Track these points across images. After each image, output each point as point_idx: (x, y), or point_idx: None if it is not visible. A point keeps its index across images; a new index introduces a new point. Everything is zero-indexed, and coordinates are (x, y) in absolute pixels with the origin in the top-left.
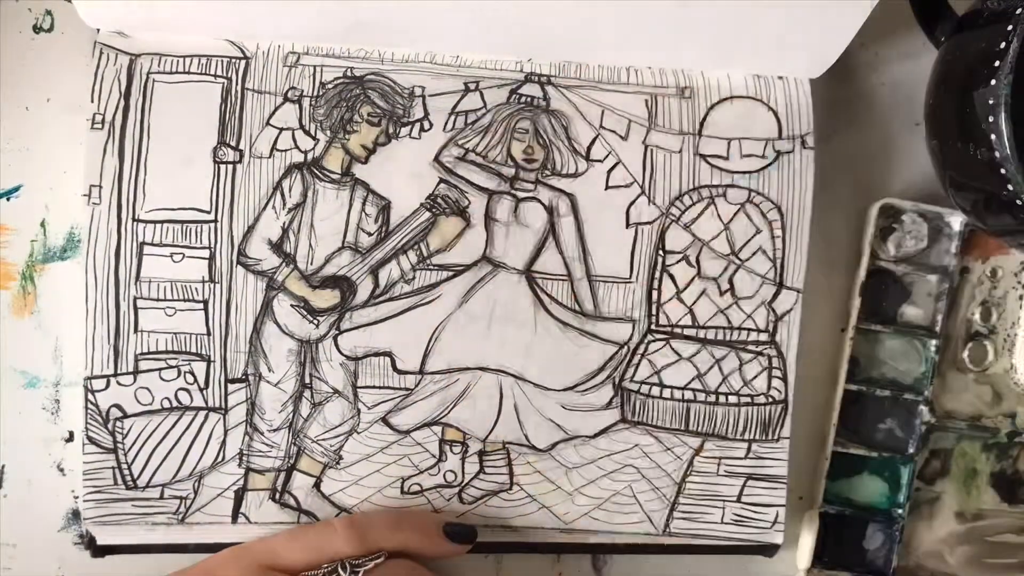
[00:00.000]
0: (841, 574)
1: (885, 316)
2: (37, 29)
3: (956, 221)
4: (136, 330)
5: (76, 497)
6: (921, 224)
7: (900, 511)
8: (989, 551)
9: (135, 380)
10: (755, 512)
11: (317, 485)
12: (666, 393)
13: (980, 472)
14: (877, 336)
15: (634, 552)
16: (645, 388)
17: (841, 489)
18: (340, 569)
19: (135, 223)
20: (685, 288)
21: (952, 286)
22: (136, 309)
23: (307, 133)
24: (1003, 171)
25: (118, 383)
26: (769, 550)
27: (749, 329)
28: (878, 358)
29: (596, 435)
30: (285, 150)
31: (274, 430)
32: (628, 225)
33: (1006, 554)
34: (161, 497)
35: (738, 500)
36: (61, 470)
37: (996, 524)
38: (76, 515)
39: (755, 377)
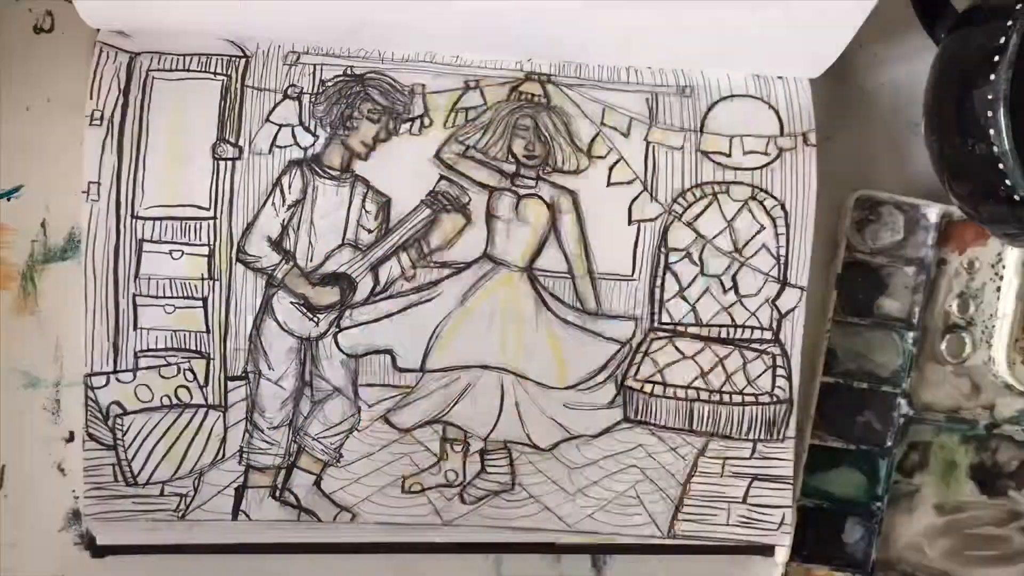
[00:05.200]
0: (820, 568)
1: (862, 308)
2: (37, 29)
3: (932, 213)
4: (136, 327)
5: (76, 497)
6: (897, 216)
7: (879, 504)
8: (969, 543)
9: (135, 377)
10: (761, 514)
11: (317, 483)
12: (669, 392)
13: (959, 464)
14: (854, 328)
15: (633, 552)
16: (648, 387)
17: (819, 482)
18: None
19: (134, 220)
20: (688, 286)
21: (929, 278)
22: (136, 306)
23: (307, 130)
24: (1001, 166)
25: (118, 380)
26: (768, 550)
27: (753, 327)
28: (855, 350)
29: (599, 435)
30: (285, 147)
31: (274, 428)
32: (630, 222)
33: (985, 546)
34: (161, 494)
35: (743, 501)
36: (61, 470)
37: (975, 516)
38: (76, 515)
39: (759, 376)
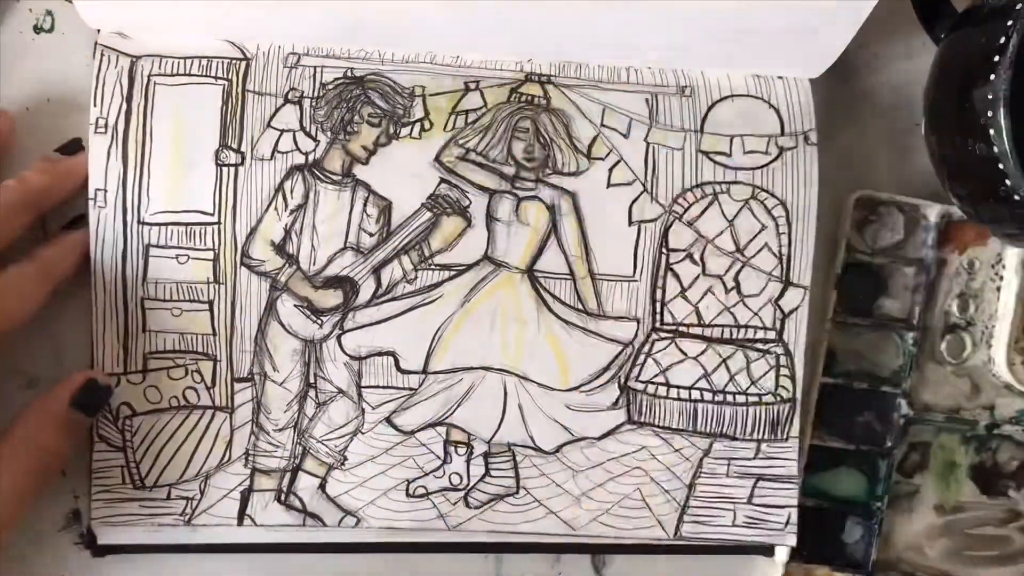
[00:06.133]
0: (820, 568)
1: (862, 308)
2: (37, 29)
3: (932, 213)
4: (144, 330)
5: (76, 497)
6: (897, 216)
7: (879, 504)
8: (969, 544)
9: (144, 379)
10: (767, 514)
11: (322, 486)
12: (673, 393)
13: (959, 465)
14: (854, 328)
15: (633, 552)
16: (651, 388)
17: (819, 483)
18: None
19: (140, 226)
20: (690, 286)
21: (929, 278)
22: (144, 309)
23: (308, 135)
24: (1001, 166)
25: (128, 381)
26: (769, 550)
27: (756, 327)
28: (855, 351)
29: (603, 436)
30: (286, 152)
31: (279, 430)
32: (631, 223)
33: (985, 547)
34: (168, 497)
35: (749, 502)
36: (62, 470)
37: (975, 517)
38: (76, 515)
39: (763, 376)
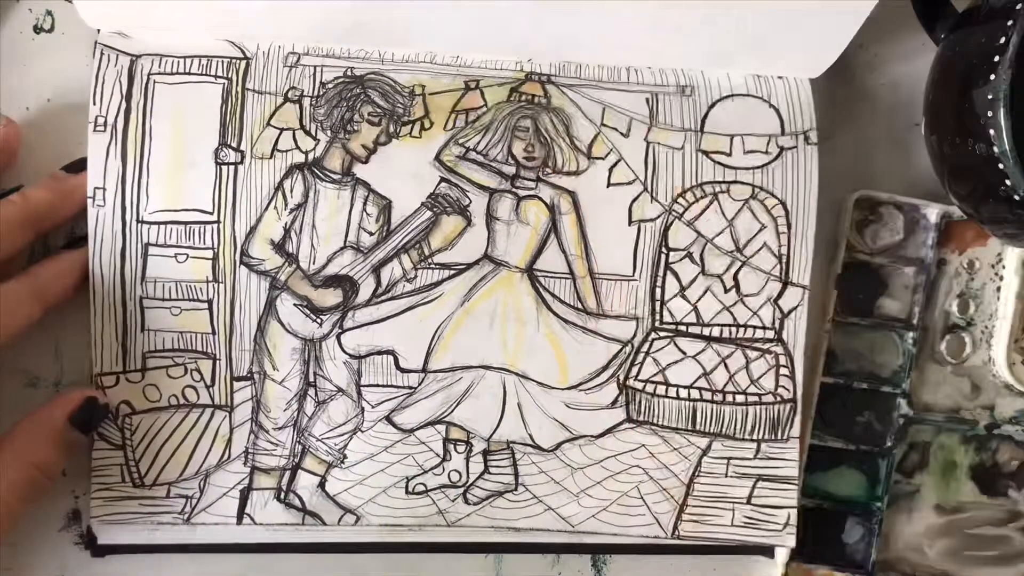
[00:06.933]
0: (821, 568)
1: (862, 308)
2: (37, 29)
3: (932, 213)
4: (143, 329)
5: (76, 497)
6: (897, 216)
7: (879, 504)
8: (969, 544)
9: (143, 377)
10: (766, 514)
11: (322, 484)
12: (672, 392)
13: (959, 465)
14: (854, 328)
15: (633, 552)
16: (650, 387)
17: (819, 483)
18: None
19: (139, 224)
20: (689, 285)
21: (929, 278)
22: (142, 309)
23: (308, 133)
24: (1001, 166)
25: (127, 380)
26: (769, 550)
27: (755, 327)
28: (855, 351)
29: (601, 435)
30: (286, 150)
31: (279, 428)
32: (631, 222)
33: (985, 547)
34: (167, 496)
35: (748, 502)
36: (62, 471)
37: (975, 517)
38: (76, 515)
39: (762, 375)
